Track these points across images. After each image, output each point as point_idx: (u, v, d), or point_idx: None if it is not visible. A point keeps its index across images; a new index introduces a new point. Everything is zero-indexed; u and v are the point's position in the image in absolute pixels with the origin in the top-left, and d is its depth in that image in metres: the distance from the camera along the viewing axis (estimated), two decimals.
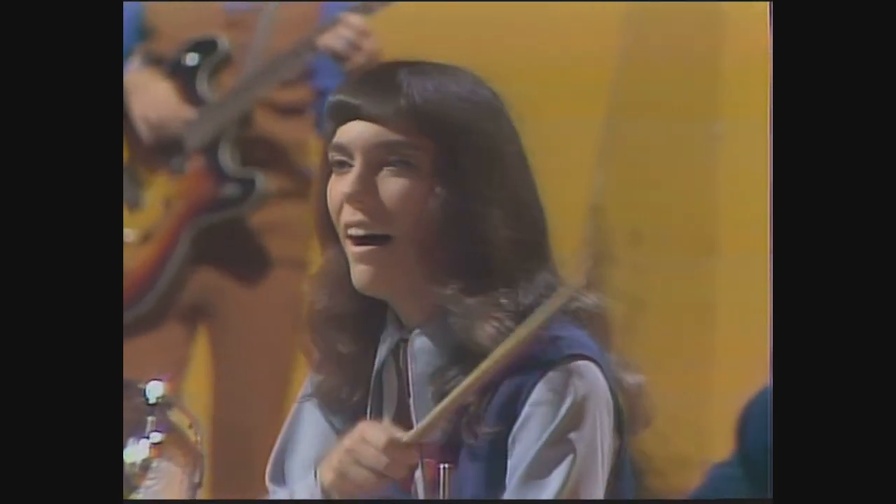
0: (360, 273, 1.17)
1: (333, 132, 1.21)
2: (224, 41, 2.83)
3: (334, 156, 1.20)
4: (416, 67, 1.21)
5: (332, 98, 1.23)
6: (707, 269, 3.43)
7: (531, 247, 1.20)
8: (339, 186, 1.19)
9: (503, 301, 1.16)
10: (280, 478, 1.29)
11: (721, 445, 2.57)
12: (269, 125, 2.83)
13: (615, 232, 3.21)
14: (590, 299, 1.20)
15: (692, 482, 2.19)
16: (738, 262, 3.17)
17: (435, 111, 1.18)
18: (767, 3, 1.18)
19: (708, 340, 3.43)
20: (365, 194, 1.17)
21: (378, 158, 1.18)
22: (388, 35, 2.88)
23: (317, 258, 1.30)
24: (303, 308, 1.27)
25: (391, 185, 1.17)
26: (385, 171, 1.17)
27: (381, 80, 1.21)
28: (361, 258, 1.17)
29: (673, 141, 3.29)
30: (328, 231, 1.23)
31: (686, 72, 3.40)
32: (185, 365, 2.86)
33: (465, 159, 1.18)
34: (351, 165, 1.19)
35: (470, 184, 1.18)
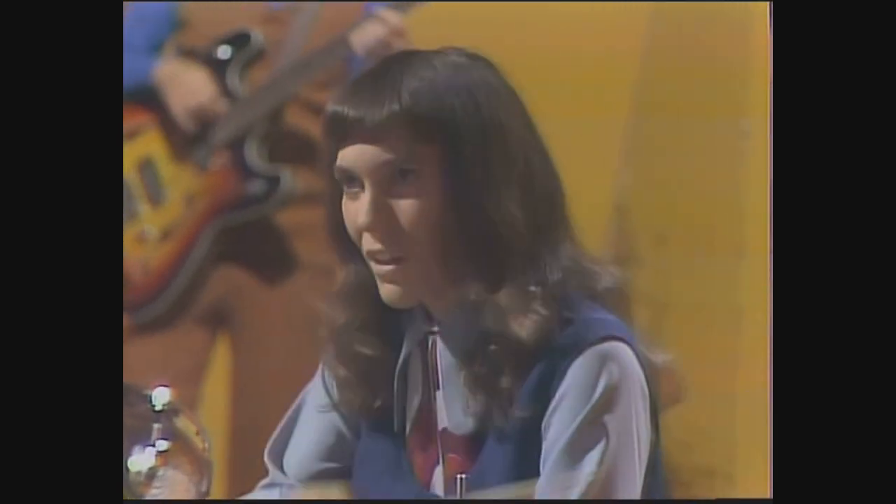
0: (388, 291, 1.18)
1: (334, 150, 1.21)
2: (258, 35, 2.80)
3: (341, 175, 1.21)
4: (405, 65, 1.19)
5: (327, 110, 1.22)
6: (734, 271, 3.41)
7: (550, 219, 1.19)
8: (354, 213, 1.19)
9: (532, 289, 1.15)
10: (278, 460, 1.32)
11: (748, 456, 2.51)
12: (299, 123, 2.79)
13: (640, 233, 3.21)
14: (613, 280, 1.20)
15: (718, 494, 2.14)
16: (765, 263, 3.11)
17: (429, 108, 1.16)
18: (768, 2, 1.18)
19: (735, 345, 3.41)
20: (381, 222, 1.17)
21: (385, 178, 1.17)
22: (415, 33, 2.87)
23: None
24: (323, 323, 1.27)
25: (404, 206, 1.17)
26: (395, 191, 1.17)
27: (372, 87, 1.19)
28: (388, 278, 1.18)
29: (699, 139, 3.26)
30: (346, 247, 1.23)
31: (712, 68, 3.37)
32: (203, 369, 2.83)
33: (468, 145, 1.16)
34: (360, 184, 1.18)
35: (478, 170, 1.16)
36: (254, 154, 2.80)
